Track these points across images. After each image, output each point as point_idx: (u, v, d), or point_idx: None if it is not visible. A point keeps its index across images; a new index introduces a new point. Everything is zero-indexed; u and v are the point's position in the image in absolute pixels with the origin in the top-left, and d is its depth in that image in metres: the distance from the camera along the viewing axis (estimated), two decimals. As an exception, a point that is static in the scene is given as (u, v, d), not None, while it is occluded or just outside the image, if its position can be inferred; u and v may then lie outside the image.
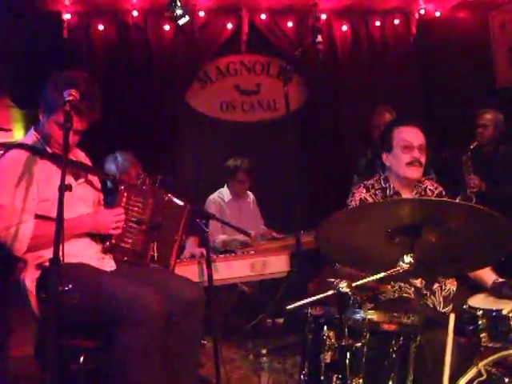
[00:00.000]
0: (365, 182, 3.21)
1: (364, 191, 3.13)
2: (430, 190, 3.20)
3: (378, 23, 7.27)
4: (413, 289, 2.98)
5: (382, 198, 3.08)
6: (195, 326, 3.03)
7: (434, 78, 7.29)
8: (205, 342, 4.48)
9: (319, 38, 3.68)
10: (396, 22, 7.33)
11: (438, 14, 7.10)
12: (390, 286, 2.95)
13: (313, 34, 3.74)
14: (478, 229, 2.12)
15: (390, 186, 3.11)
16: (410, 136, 3.04)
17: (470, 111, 5.66)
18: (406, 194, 3.11)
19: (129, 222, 3.08)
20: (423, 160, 3.04)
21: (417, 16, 7.29)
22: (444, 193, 3.25)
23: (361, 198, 3.09)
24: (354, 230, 2.25)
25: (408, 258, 2.13)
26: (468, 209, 2.14)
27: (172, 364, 2.93)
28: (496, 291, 2.77)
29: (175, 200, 3.29)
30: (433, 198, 2.87)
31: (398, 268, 2.13)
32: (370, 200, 3.08)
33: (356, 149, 6.55)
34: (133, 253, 3.10)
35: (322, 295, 2.10)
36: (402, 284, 2.98)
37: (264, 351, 4.09)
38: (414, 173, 3.04)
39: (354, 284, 2.05)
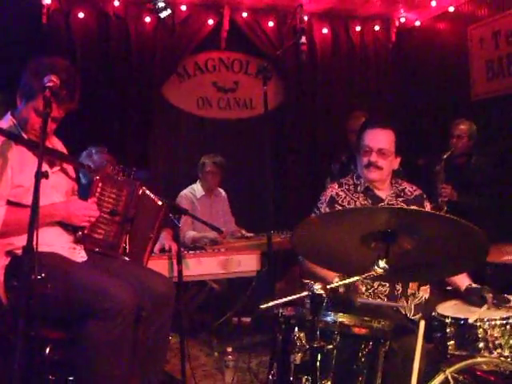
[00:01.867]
0: (340, 180, 3.30)
1: (336, 186, 3.23)
2: (409, 191, 3.26)
3: (358, 28, 7.31)
4: (387, 291, 3.01)
5: (353, 193, 3.17)
6: (165, 320, 3.01)
7: (411, 85, 7.36)
8: (170, 337, 4.47)
9: (303, 40, 3.68)
10: (376, 28, 7.37)
11: (418, 23, 7.16)
12: (364, 289, 2.97)
13: (297, 34, 3.72)
14: (451, 238, 2.15)
15: (361, 182, 3.19)
16: (370, 140, 3.11)
17: (445, 120, 5.74)
18: (381, 192, 3.19)
19: (102, 213, 3.04)
20: (382, 163, 3.09)
21: (397, 24, 7.33)
22: (425, 196, 3.30)
23: (331, 195, 3.17)
24: (330, 233, 2.26)
25: (382, 263, 2.14)
26: (442, 218, 2.16)
27: (140, 357, 2.91)
28: (467, 297, 2.82)
29: (153, 197, 3.28)
30: (408, 208, 2.89)
31: (373, 272, 2.15)
32: (342, 195, 3.17)
33: (331, 151, 6.59)
34: (105, 244, 3.07)
35: (296, 296, 2.10)
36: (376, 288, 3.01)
37: (229, 349, 4.10)
38: (371, 175, 3.13)
39: (328, 286, 2.06)
